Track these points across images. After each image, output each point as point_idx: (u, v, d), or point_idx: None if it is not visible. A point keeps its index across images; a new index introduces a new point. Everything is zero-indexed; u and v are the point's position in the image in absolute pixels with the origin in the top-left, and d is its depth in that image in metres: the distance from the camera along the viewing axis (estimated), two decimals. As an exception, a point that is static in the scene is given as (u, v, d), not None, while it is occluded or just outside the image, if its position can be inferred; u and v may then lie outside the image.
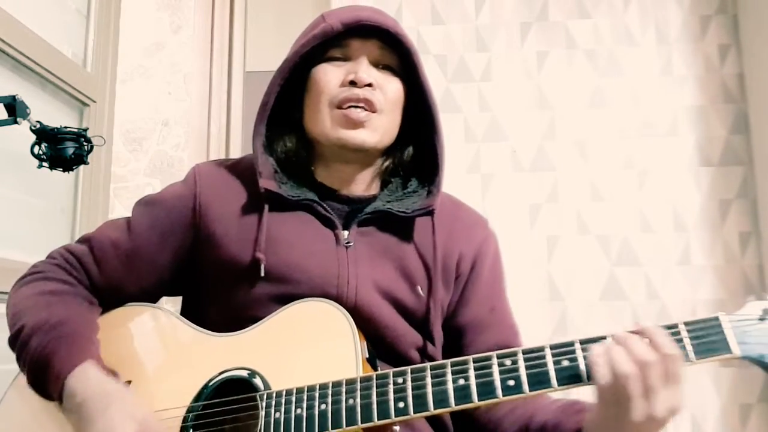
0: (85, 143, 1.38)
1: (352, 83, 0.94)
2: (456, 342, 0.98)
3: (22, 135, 1.40)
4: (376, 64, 0.98)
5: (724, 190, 2.54)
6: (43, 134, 1.34)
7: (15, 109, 1.29)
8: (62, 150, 1.35)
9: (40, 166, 1.35)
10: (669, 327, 0.72)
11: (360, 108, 0.94)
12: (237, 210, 0.97)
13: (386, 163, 1.01)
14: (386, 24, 0.96)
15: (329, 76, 0.96)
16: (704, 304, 2.44)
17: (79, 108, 1.84)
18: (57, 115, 1.71)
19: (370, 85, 0.95)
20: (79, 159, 1.37)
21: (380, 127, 0.96)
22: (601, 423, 0.75)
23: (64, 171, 1.38)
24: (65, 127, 1.36)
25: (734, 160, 2.55)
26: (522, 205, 2.58)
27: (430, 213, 0.98)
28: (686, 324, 0.72)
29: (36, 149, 1.34)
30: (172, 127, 1.94)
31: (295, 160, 1.00)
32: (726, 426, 2.41)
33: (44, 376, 0.84)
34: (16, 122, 1.30)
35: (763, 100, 2.45)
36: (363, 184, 1.01)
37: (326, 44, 0.97)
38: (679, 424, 2.40)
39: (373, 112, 0.95)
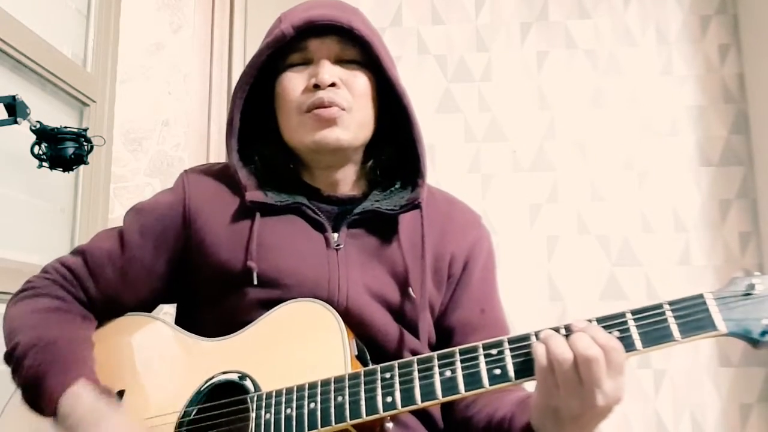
0: (85, 143, 1.38)
1: (316, 86, 0.93)
2: (446, 343, 0.97)
3: (22, 135, 1.41)
4: (339, 60, 0.96)
5: (724, 190, 2.53)
6: (43, 134, 1.34)
7: (15, 109, 1.29)
8: (62, 150, 1.35)
9: (40, 166, 1.35)
10: (653, 307, 0.72)
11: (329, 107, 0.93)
12: (227, 216, 0.96)
13: (370, 162, 1.00)
14: (339, 20, 0.93)
15: (293, 83, 0.95)
16: (704, 304, 2.43)
17: (79, 108, 1.84)
18: (57, 115, 1.71)
19: (333, 84, 0.93)
20: (79, 159, 1.37)
21: (352, 124, 0.94)
22: (540, 413, 0.75)
23: (64, 171, 1.38)
24: (65, 127, 1.36)
25: (734, 160, 2.55)
26: (522, 205, 2.58)
27: (417, 206, 0.96)
28: (670, 303, 0.72)
29: (36, 149, 1.34)
30: (172, 127, 1.94)
31: (278, 165, 0.99)
32: (726, 426, 2.40)
33: (38, 395, 0.84)
34: (16, 122, 1.30)
35: (763, 100, 2.44)
36: (348, 184, 1.00)
37: (285, 49, 0.95)
38: (679, 424, 2.41)
39: (342, 110, 0.93)
